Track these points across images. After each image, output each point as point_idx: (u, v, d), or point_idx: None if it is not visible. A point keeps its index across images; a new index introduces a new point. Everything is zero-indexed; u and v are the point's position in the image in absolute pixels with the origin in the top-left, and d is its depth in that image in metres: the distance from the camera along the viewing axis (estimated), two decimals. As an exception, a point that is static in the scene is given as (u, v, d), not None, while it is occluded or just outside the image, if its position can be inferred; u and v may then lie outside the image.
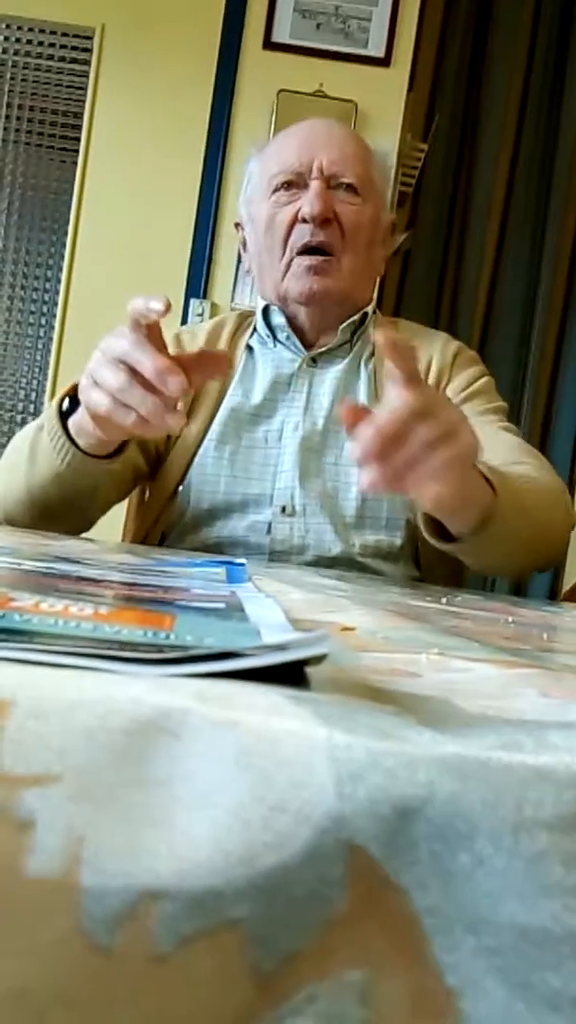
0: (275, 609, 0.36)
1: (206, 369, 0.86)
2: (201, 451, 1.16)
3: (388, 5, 2.49)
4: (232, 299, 2.45)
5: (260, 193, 1.21)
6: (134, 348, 0.80)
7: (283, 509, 1.13)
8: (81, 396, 0.87)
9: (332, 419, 1.16)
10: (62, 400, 0.94)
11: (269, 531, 1.12)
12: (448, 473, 0.74)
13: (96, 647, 0.22)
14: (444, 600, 0.72)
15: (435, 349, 1.23)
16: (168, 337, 1.21)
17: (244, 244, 1.28)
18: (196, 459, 1.15)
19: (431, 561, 1.13)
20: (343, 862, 0.19)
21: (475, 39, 2.78)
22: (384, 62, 2.50)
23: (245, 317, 1.29)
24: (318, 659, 0.24)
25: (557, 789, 0.20)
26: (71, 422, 0.92)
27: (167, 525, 1.16)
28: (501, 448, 1.05)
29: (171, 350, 1.19)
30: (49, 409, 0.95)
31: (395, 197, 2.22)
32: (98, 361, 0.83)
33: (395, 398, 0.73)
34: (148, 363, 0.79)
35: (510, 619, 0.63)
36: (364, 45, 2.50)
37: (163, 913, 0.18)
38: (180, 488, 1.15)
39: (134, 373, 0.79)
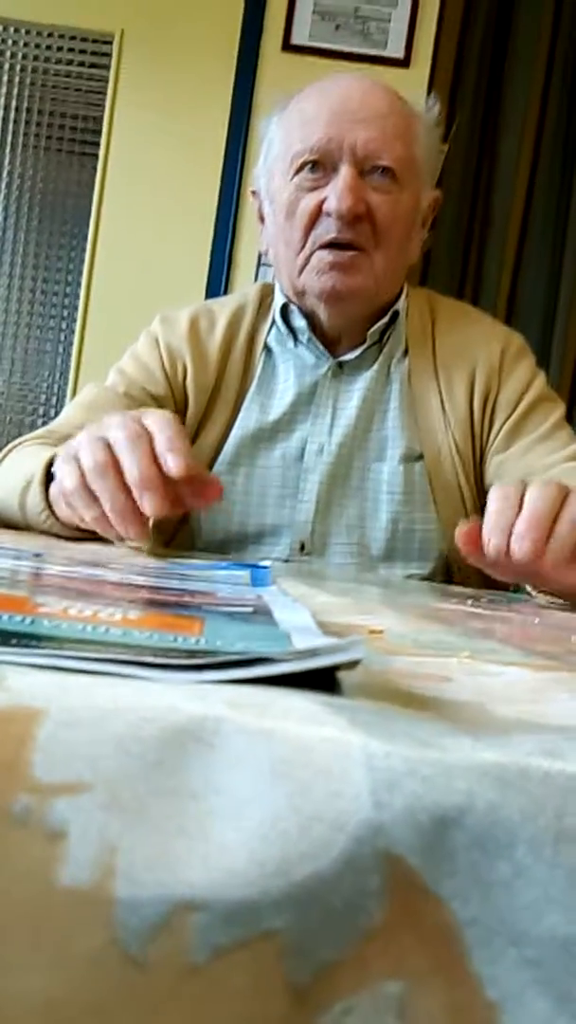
0: (303, 613, 0.36)
1: (195, 497, 0.74)
2: (212, 474, 1.04)
3: (407, 6, 2.48)
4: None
5: (280, 169, 1.04)
6: (130, 443, 0.68)
7: (301, 547, 1.03)
8: (55, 466, 0.76)
9: (359, 436, 1.05)
10: (48, 465, 0.82)
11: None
12: None
13: (127, 653, 0.22)
14: (469, 602, 0.71)
15: (479, 352, 1.08)
16: (185, 318, 1.11)
17: (261, 216, 1.12)
18: None
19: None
20: (380, 872, 0.19)
21: (495, 39, 2.77)
22: (403, 63, 2.50)
23: (267, 295, 1.14)
24: (351, 664, 0.24)
25: (599, 798, 0.19)
26: (52, 494, 0.81)
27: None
28: None
29: (187, 337, 1.10)
30: (37, 470, 0.83)
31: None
32: (85, 436, 0.72)
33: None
34: (135, 469, 0.67)
35: (536, 620, 0.62)
36: (383, 46, 2.50)
37: (198, 924, 0.18)
38: (191, 515, 1.05)
39: (117, 465, 0.68)
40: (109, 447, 0.69)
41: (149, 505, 0.66)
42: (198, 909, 0.18)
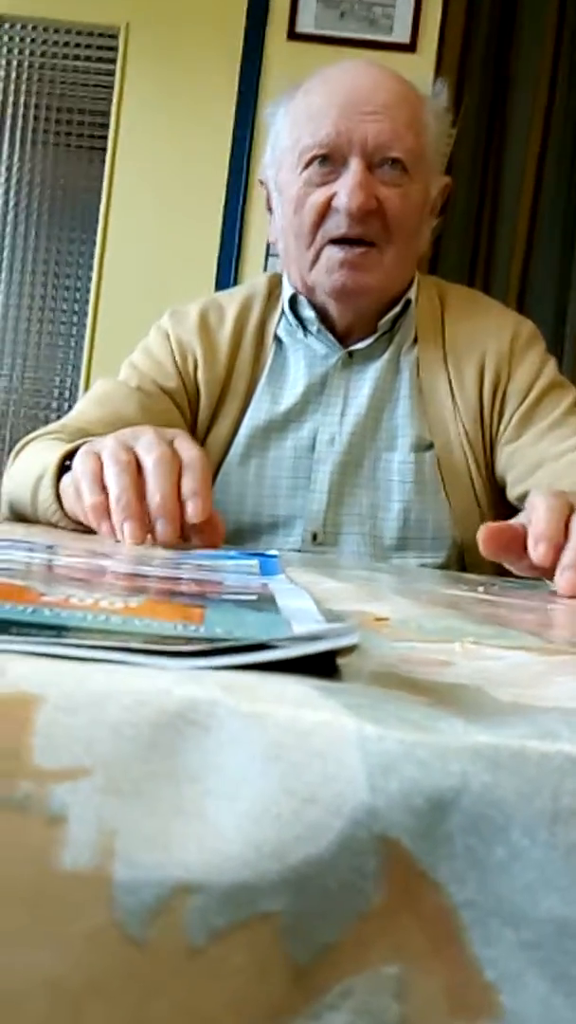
0: (306, 599, 0.36)
1: (198, 534, 0.72)
2: (225, 465, 1.07)
3: (413, -10, 2.47)
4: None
5: (289, 162, 1.03)
6: (159, 467, 0.68)
7: (314, 537, 1.04)
8: (76, 458, 0.75)
9: (369, 427, 1.05)
10: (64, 458, 0.82)
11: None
12: None
13: (125, 641, 0.22)
14: (481, 589, 0.71)
15: (489, 340, 1.08)
16: (194, 312, 1.12)
17: (269, 206, 1.12)
18: (220, 475, 1.06)
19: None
20: (377, 855, 0.19)
21: (502, 19, 2.74)
22: (410, 47, 2.48)
23: (275, 286, 1.14)
24: (348, 650, 0.24)
25: (594, 778, 0.19)
26: (62, 486, 0.81)
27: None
28: None
29: (196, 330, 1.12)
30: (51, 463, 0.84)
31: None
32: (112, 439, 0.72)
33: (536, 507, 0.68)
34: (157, 494, 0.67)
35: (549, 606, 0.62)
36: (389, 31, 2.48)
37: (195, 906, 0.18)
38: None
39: (136, 469, 0.69)
40: (135, 456, 0.70)
41: (162, 532, 0.67)
42: (195, 892, 0.18)
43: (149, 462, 0.69)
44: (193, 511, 0.68)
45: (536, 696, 0.25)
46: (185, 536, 0.70)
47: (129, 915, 0.18)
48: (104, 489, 0.70)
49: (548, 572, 0.68)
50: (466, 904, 0.19)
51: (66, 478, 0.81)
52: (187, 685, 0.20)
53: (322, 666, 0.24)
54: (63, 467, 0.83)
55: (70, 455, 0.82)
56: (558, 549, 0.66)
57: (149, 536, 0.69)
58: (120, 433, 0.74)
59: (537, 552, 0.66)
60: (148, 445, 0.70)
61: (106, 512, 0.69)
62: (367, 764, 0.19)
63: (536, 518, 0.68)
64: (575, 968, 0.19)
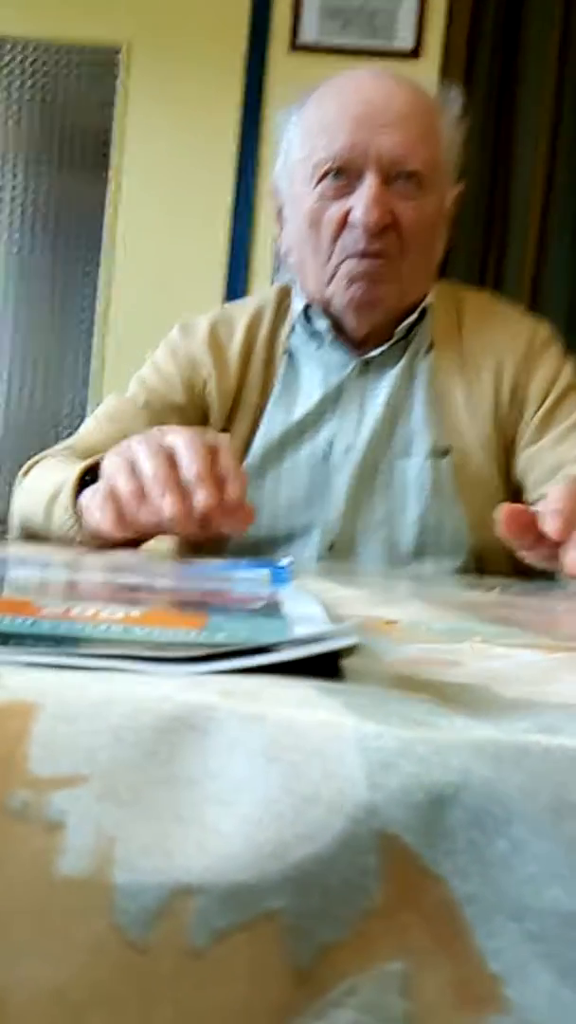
0: (313, 605, 0.36)
1: (227, 520, 0.74)
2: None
3: (415, -4, 2.47)
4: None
5: (302, 175, 1.02)
6: (189, 444, 0.70)
7: (331, 547, 1.04)
8: (103, 463, 0.77)
9: (385, 434, 1.05)
10: (83, 473, 0.84)
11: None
12: None
13: (125, 649, 0.22)
14: (497, 590, 0.71)
15: (506, 345, 1.08)
16: (204, 326, 1.12)
17: (281, 217, 1.11)
18: None
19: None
20: (378, 852, 0.19)
21: (506, 24, 2.74)
22: (413, 54, 2.48)
23: (284, 297, 1.14)
24: (349, 650, 0.24)
25: (595, 770, 0.19)
26: (82, 501, 0.82)
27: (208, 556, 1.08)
28: None
29: (206, 344, 1.12)
30: (69, 479, 0.84)
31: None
32: (136, 436, 0.74)
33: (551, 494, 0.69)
34: (193, 466, 0.69)
35: (562, 607, 0.62)
36: (392, 39, 2.49)
37: (197, 908, 0.18)
38: None
39: (172, 468, 0.70)
40: (162, 445, 0.72)
41: (202, 500, 0.68)
42: (196, 893, 0.18)
43: (180, 443, 0.71)
44: (232, 490, 0.70)
45: (543, 693, 0.25)
46: (216, 523, 0.71)
47: (130, 920, 0.18)
48: (138, 478, 0.71)
49: (557, 551, 0.68)
50: (469, 898, 0.19)
51: (86, 493, 0.82)
52: (186, 691, 0.20)
53: (326, 668, 0.24)
54: (81, 483, 0.83)
55: (87, 472, 0.83)
56: (570, 525, 0.66)
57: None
58: (143, 432, 0.76)
59: (549, 525, 0.66)
60: (175, 433, 0.73)
61: (143, 497, 0.71)
62: (366, 761, 0.19)
63: (552, 497, 0.68)
64: (581, 961, 0.18)
